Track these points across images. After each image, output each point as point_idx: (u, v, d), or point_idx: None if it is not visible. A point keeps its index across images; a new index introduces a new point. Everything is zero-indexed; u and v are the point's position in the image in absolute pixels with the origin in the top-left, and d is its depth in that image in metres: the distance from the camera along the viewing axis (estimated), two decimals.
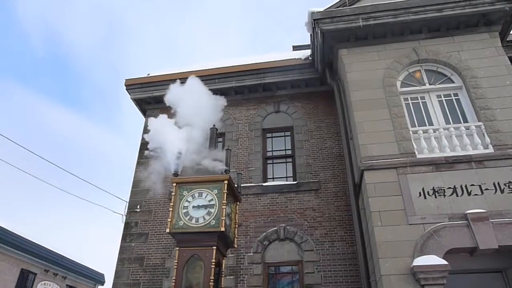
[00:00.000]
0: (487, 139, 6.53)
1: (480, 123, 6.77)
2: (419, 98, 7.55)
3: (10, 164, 17.21)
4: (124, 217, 9.40)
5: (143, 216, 9.21)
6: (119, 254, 8.82)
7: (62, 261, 22.12)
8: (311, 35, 8.95)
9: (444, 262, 5.37)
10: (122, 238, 9.02)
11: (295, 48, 12.74)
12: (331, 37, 8.24)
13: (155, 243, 8.80)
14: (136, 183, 9.75)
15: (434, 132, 6.87)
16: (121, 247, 8.90)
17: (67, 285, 22.73)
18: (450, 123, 7.06)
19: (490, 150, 6.40)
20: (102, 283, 26.26)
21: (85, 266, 24.57)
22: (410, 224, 5.88)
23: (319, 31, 8.19)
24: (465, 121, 7.05)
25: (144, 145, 10.41)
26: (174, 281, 4.03)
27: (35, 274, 20.33)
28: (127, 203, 9.56)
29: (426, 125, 7.12)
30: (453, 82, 7.58)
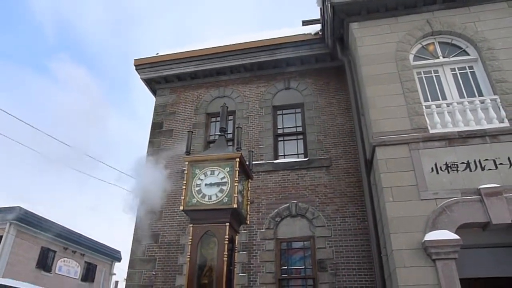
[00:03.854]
0: (503, 113, 6.39)
1: (496, 97, 6.61)
2: (432, 72, 7.39)
3: (27, 146, 17.51)
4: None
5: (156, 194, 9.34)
6: (134, 232, 9.03)
7: (80, 239, 22.81)
8: (321, 9, 8.75)
9: (456, 236, 5.38)
10: (137, 216, 9.20)
11: (305, 23, 12.47)
12: (341, 10, 8.04)
13: (169, 220, 8.96)
14: (148, 162, 9.85)
15: (448, 106, 6.74)
16: (136, 224, 9.10)
17: (85, 261, 23.48)
18: (464, 97, 6.91)
19: (506, 124, 6.26)
20: (119, 259, 27.02)
21: (102, 244, 25.28)
22: (422, 200, 5.87)
23: (329, 5, 8.00)
24: (480, 94, 6.89)
25: (155, 124, 10.47)
26: (189, 257, 4.12)
27: (55, 251, 21.03)
28: None
29: (439, 100, 6.99)
30: (468, 54, 7.39)
